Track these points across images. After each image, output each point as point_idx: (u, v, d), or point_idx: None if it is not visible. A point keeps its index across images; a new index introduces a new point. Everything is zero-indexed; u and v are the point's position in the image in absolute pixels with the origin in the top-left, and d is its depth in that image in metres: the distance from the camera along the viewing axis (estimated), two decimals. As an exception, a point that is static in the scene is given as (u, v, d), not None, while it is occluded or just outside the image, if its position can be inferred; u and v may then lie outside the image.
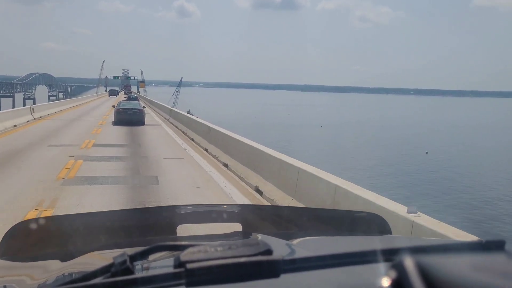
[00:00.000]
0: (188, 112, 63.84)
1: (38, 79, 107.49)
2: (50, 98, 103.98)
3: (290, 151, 27.71)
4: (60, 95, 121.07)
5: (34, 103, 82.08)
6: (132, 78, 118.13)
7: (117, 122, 21.56)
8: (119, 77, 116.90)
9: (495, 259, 0.67)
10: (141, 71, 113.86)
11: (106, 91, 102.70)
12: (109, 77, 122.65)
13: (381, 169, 31.42)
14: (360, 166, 31.81)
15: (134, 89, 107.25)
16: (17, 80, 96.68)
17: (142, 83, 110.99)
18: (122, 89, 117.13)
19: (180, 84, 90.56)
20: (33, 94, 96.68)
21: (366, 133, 57.26)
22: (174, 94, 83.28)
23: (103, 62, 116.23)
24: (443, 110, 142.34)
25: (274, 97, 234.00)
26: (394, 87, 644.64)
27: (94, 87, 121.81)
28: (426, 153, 41.51)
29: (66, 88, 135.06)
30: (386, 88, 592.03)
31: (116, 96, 71.45)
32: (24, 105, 72.40)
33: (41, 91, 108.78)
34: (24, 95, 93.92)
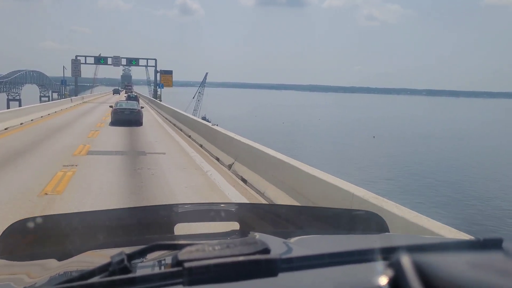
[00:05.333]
0: (204, 118, 50.42)
1: (26, 77, 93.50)
2: (42, 99, 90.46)
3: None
4: (55, 95, 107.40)
5: (20, 104, 69.26)
6: (146, 63, 58.73)
7: (114, 122, 21.39)
8: (110, 59, 56.71)
9: (492, 257, 0.66)
10: (155, 60, 58.50)
11: (69, 95, 58.60)
12: (80, 60, 58.44)
13: None
14: None
15: (144, 89, 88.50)
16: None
17: (167, 75, 56.47)
18: (123, 88, 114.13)
19: (204, 83, 65.93)
20: (19, 95, 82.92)
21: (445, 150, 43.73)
22: (196, 97, 62.50)
23: (99, 55, 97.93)
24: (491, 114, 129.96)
25: (284, 98, 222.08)
26: (402, 87, 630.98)
27: (89, 87, 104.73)
28: None
29: (61, 88, 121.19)
30: (396, 88, 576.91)
31: (119, 94, 76.33)
32: (8, 107, 60.00)
33: (31, 91, 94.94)
34: (7, 95, 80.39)
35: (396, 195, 19.25)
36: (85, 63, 59.95)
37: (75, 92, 62.82)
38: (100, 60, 59.59)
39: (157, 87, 57.59)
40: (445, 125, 72.62)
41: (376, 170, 31.41)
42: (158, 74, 57.93)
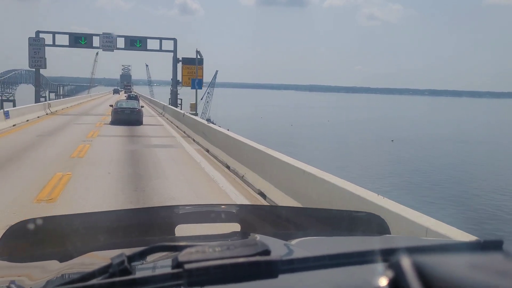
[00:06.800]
0: (208, 120, 46.28)
1: (21, 76, 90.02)
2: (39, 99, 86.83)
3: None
4: (52, 95, 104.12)
5: (14, 105, 65.86)
6: (159, 45, 37.99)
7: (114, 122, 21.47)
8: (98, 38, 34.48)
9: (492, 259, 0.66)
10: (175, 40, 38.72)
11: (42, 98, 37.55)
12: (45, 40, 34.19)
13: None
14: None
15: (144, 90, 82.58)
16: (-11, 78, 79.03)
17: (199, 66, 33.90)
18: (122, 88, 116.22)
19: (213, 83, 55.03)
20: (13, 95, 79.39)
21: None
22: (204, 98, 52.84)
23: (97, 54, 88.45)
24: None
25: (286, 98, 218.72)
26: (404, 87, 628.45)
27: (87, 87, 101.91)
28: None
29: (58, 88, 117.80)
30: (398, 88, 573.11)
31: (119, 94, 79.70)
32: (2, 108, 56.61)
33: (27, 91, 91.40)
34: (1, 96, 76.87)
35: (420, 205, 16.72)
36: (54, 44, 34.61)
37: (35, 95, 39.01)
38: (80, 40, 34.63)
39: (178, 86, 37.90)
40: (458, 126, 69.45)
41: (406, 179, 28.11)
42: (179, 64, 36.89)
